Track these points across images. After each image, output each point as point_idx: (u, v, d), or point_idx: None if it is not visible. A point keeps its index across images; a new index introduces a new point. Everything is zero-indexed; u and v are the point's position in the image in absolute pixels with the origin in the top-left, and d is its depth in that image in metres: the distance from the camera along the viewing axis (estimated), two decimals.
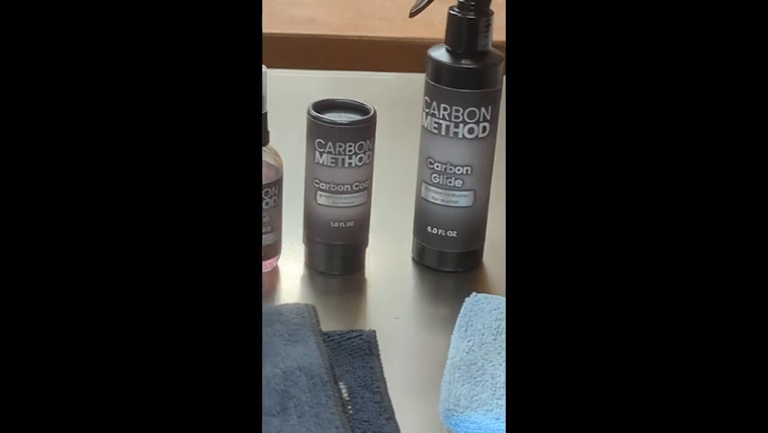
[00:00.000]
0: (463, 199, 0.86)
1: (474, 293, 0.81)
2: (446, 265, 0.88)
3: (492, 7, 0.83)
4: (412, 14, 0.83)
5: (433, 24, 1.30)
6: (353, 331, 0.76)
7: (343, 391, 0.70)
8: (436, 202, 0.86)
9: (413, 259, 0.89)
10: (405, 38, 1.28)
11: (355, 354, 0.74)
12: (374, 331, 0.76)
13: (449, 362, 0.73)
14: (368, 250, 0.88)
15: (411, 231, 0.89)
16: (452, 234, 0.87)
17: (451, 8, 0.83)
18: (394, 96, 1.11)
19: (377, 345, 0.75)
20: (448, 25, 0.83)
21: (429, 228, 0.87)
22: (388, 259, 0.89)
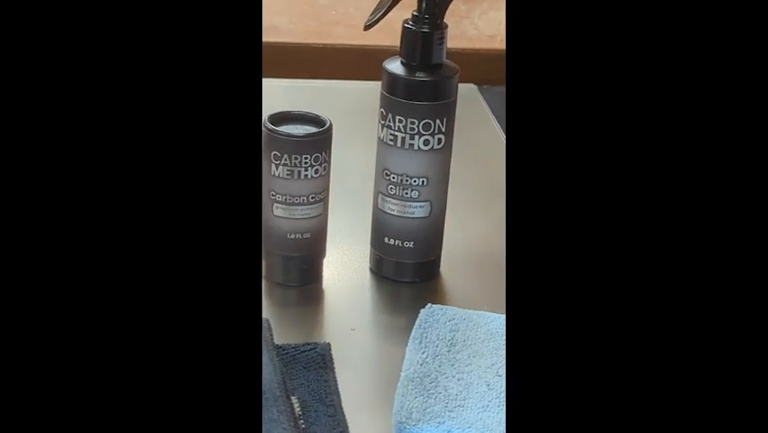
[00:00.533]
0: (420, 210, 0.86)
1: (429, 304, 0.81)
2: (403, 275, 0.88)
3: (446, 20, 0.84)
4: (366, 28, 0.83)
5: (395, 32, 1.31)
6: (308, 344, 0.76)
7: (296, 405, 0.70)
8: (393, 213, 0.86)
9: (370, 269, 0.90)
10: (369, 46, 1.28)
11: (310, 368, 0.75)
12: (329, 344, 0.77)
13: (403, 374, 0.74)
14: (325, 261, 0.88)
15: (369, 241, 0.90)
16: (409, 244, 0.87)
17: (405, 21, 0.83)
18: (355, 105, 1.11)
19: (331, 358, 0.76)
20: (402, 38, 0.83)
21: (386, 239, 0.87)
22: (346, 269, 0.90)
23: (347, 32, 1.33)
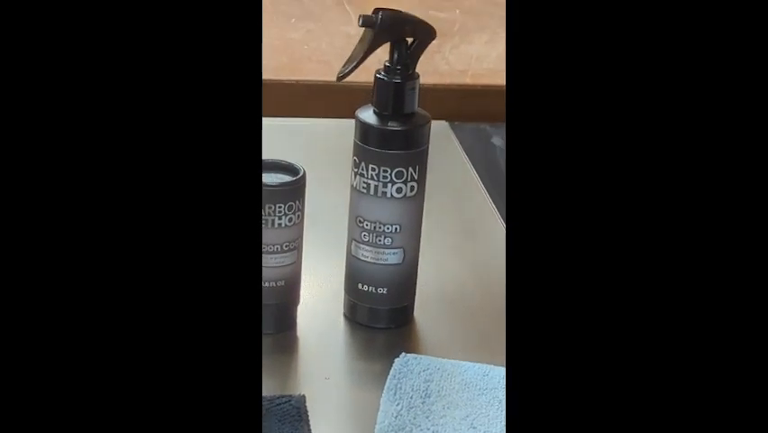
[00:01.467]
0: (393, 257, 0.87)
1: (404, 353, 0.82)
2: (377, 322, 0.89)
3: (417, 69, 0.85)
4: (339, 78, 0.84)
5: (368, 69, 1.32)
6: (283, 396, 0.77)
7: None
8: (367, 260, 0.87)
9: (344, 315, 0.90)
10: (343, 83, 1.29)
11: (284, 421, 0.75)
12: (303, 396, 0.77)
13: (377, 427, 0.74)
14: (299, 307, 0.89)
15: (343, 287, 0.90)
16: (383, 291, 0.87)
17: (377, 71, 0.84)
18: (328, 145, 1.12)
19: (306, 411, 0.76)
20: (374, 88, 0.84)
21: (360, 285, 0.88)
22: (320, 316, 0.90)
23: (319, 67, 1.33)
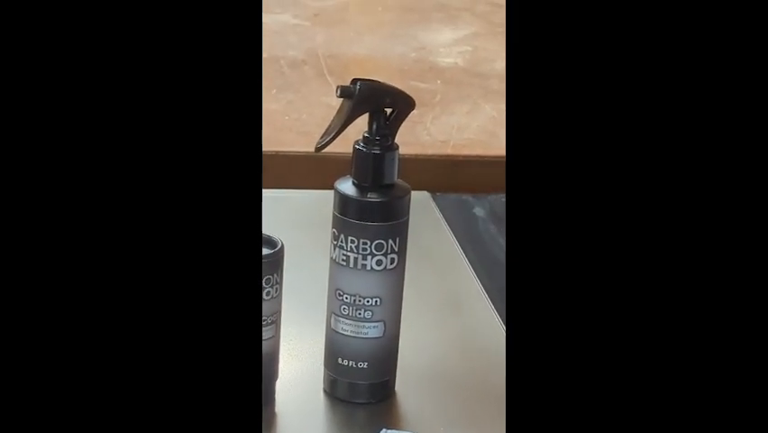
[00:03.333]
0: (373, 330, 0.85)
1: (385, 430, 0.80)
2: (358, 397, 0.87)
3: (398, 140, 0.84)
4: (318, 149, 0.83)
5: (348, 139, 1.31)
6: None
7: None
8: (346, 333, 0.85)
9: (324, 390, 0.88)
10: (322, 153, 1.28)
11: None
12: None
13: None
14: (278, 382, 0.87)
15: (322, 362, 0.88)
16: (363, 365, 0.86)
17: (356, 143, 0.83)
18: (307, 216, 1.10)
19: None
20: (353, 159, 0.83)
21: (340, 360, 0.86)
22: (299, 391, 0.88)
23: (300, 138, 1.33)
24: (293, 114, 1.39)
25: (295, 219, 1.12)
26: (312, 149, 1.30)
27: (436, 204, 1.21)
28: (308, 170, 1.28)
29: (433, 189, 1.23)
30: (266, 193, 1.22)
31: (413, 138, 1.34)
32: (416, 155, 1.29)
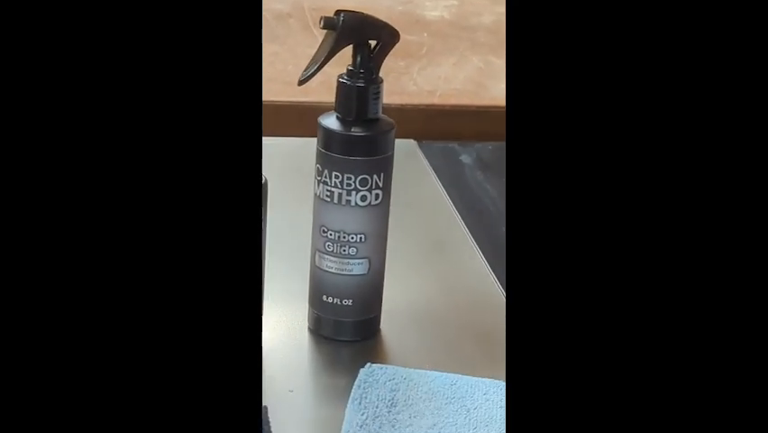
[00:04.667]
0: (358, 267, 0.84)
1: (369, 363, 0.80)
2: (343, 334, 0.87)
3: (385, 76, 0.83)
4: (300, 83, 0.82)
5: (332, 89, 1.30)
6: None
7: None
8: (331, 271, 0.85)
9: (309, 329, 0.88)
10: (306, 102, 1.27)
11: None
12: (266, 407, 0.74)
13: None
14: (263, 321, 0.86)
15: (307, 300, 0.88)
16: (348, 302, 0.85)
17: (340, 76, 0.82)
18: (291, 162, 1.10)
19: (268, 422, 0.73)
20: (338, 93, 0.82)
21: (324, 297, 0.86)
22: (284, 330, 0.88)
23: (284, 88, 1.32)
24: (279, 65, 1.38)
25: (280, 165, 1.11)
26: (297, 99, 1.30)
27: (423, 152, 1.20)
28: (293, 120, 1.27)
29: (419, 138, 1.23)
30: None
31: (399, 88, 1.33)
32: (403, 105, 1.29)
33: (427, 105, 1.30)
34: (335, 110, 0.83)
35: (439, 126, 1.27)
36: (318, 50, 0.82)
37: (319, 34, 1.48)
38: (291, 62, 1.39)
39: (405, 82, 1.34)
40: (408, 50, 1.40)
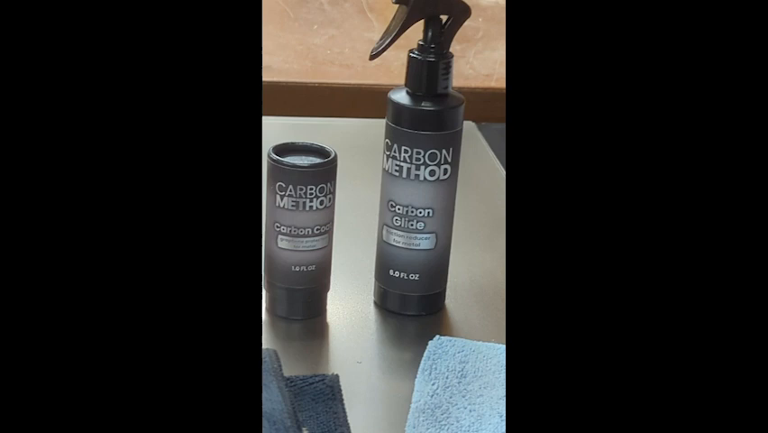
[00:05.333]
0: (425, 242, 0.85)
1: (438, 336, 0.80)
2: (408, 309, 0.87)
3: (451, 49, 0.84)
4: (372, 57, 0.83)
5: (391, 71, 1.31)
6: (316, 376, 0.75)
7: None
8: (398, 245, 0.85)
9: (374, 303, 0.88)
10: (364, 84, 1.28)
11: (318, 400, 0.73)
12: (337, 375, 0.75)
13: (413, 406, 0.72)
14: (329, 294, 0.87)
15: (372, 275, 0.88)
16: (415, 277, 0.86)
17: (411, 51, 0.83)
18: (354, 141, 1.11)
19: (340, 390, 0.74)
20: (408, 68, 0.83)
21: (391, 271, 0.86)
22: (350, 303, 0.89)
23: (342, 71, 1.33)
24: (335, 48, 1.39)
25: (342, 143, 1.11)
26: (354, 81, 1.30)
27: (482, 134, 1.20)
28: (351, 102, 1.28)
29: (477, 121, 1.23)
30: (311, 120, 1.23)
31: (456, 72, 1.33)
32: (461, 88, 1.29)
33: (485, 88, 1.31)
34: (405, 85, 0.83)
35: (497, 109, 1.27)
36: (390, 24, 0.82)
37: (374, 18, 1.49)
38: (347, 45, 1.40)
39: (461, 66, 1.34)
40: (464, 35, 1.41)
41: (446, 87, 0.83)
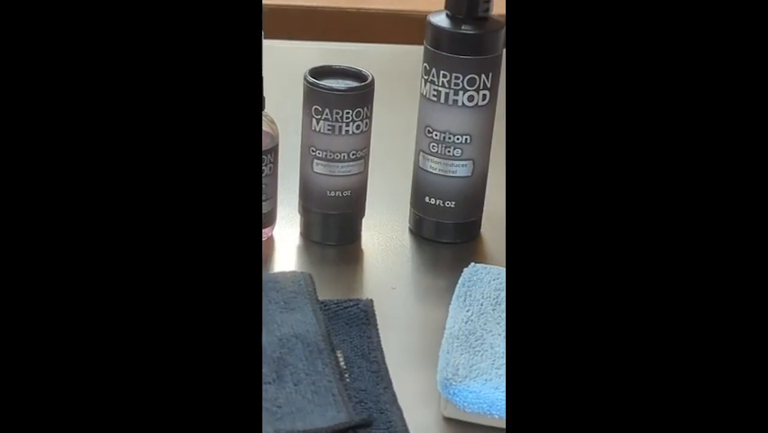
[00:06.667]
0: (462, 169, 0.84)
1: (473, 263, 0.79)
2: (444, 236, 0.87)
3: None
4: None
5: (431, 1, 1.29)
6: (350, 300, 0.75)
7: (340, 359, 0.69)
8: (434, 172, 0.84)
9: (410, 230, 0.88)
10: (402, 10, 1.27)
11: (352, 324, 0.73)
12: (371, 300, 0.75)
13: (447, 331, 0.72)
14: (364, 220, 0.87)
15: (408, 201, 0.88)
16: (451, 204, 0.85)
17: None
18: (391, 67, 1.09)
19: (374, 315, 0.74)
20: None
21: (427, 198, 0.85)
22: (385, 230, 0.88)
23: None
24: None
25: (379, 68, 1.10)
26: (392, 7, 1.29)
27: None
28: (387, 27, 1.27)
29: None
30: (348, 46, 1.22)
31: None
32: (501, 15, 1.27)
33: None
34: (445, 7, 0.82)
35: None
36: None
37: None
38: None
39: None
40: None
41: (487, 11, 0.81)
